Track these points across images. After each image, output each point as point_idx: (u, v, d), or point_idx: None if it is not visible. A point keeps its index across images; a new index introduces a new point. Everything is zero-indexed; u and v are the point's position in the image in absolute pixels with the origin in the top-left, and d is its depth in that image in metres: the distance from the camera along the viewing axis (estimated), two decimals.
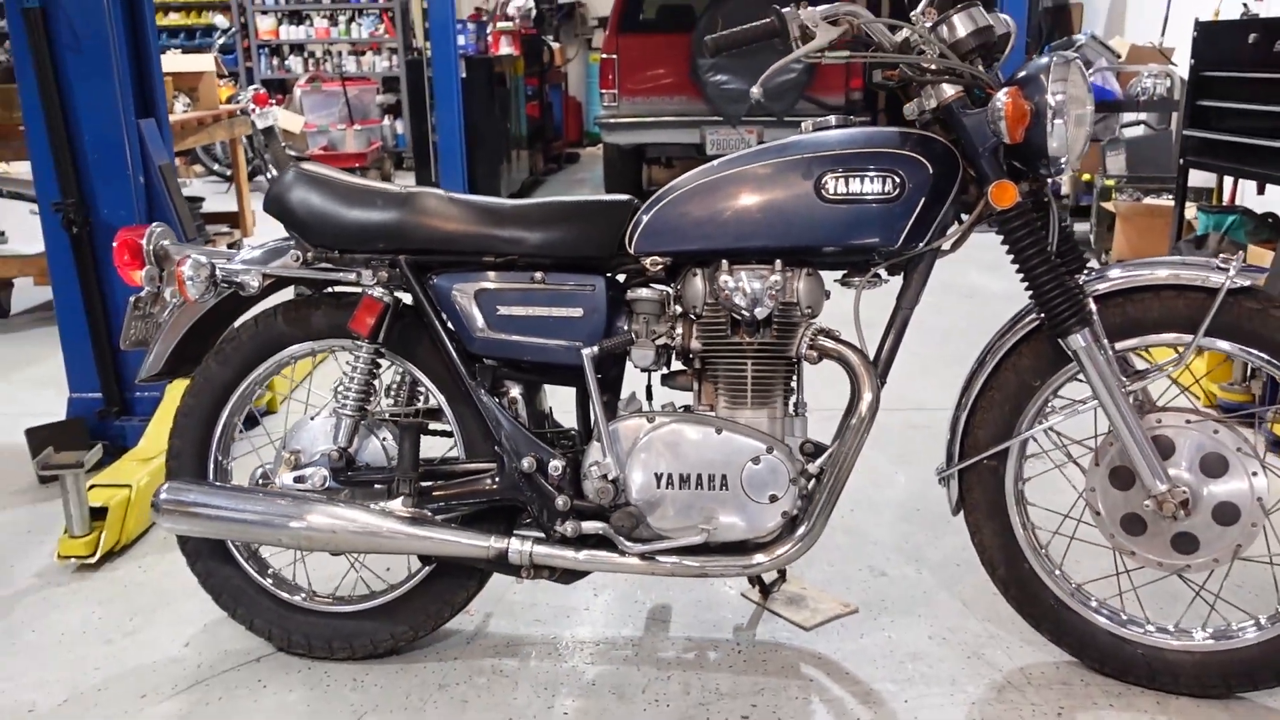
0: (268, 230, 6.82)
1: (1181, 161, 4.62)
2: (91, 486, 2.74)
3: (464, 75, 7.37)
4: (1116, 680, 2.07)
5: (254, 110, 7.30)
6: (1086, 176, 5.96)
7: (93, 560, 2.65)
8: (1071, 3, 8.59)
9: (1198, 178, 4.85)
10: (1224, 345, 1.93)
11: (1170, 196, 5.09)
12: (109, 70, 3.08)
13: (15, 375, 4.33)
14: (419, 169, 8.43)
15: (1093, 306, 1.94)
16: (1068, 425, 2.07)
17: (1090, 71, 5.86)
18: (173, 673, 2.21)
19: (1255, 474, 1.91)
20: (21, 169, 8.98)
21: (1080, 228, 6.14)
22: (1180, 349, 1.94)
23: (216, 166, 9.64)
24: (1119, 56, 6.25)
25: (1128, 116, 5.91)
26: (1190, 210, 4.68)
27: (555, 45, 11.50)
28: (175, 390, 3.20)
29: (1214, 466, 1.92)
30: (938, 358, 4.12)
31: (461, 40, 7.64)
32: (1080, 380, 1.99)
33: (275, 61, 10.88)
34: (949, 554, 2.61)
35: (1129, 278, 1.96)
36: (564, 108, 11.77)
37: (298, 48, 10.88)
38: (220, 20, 10.25)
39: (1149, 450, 1.93)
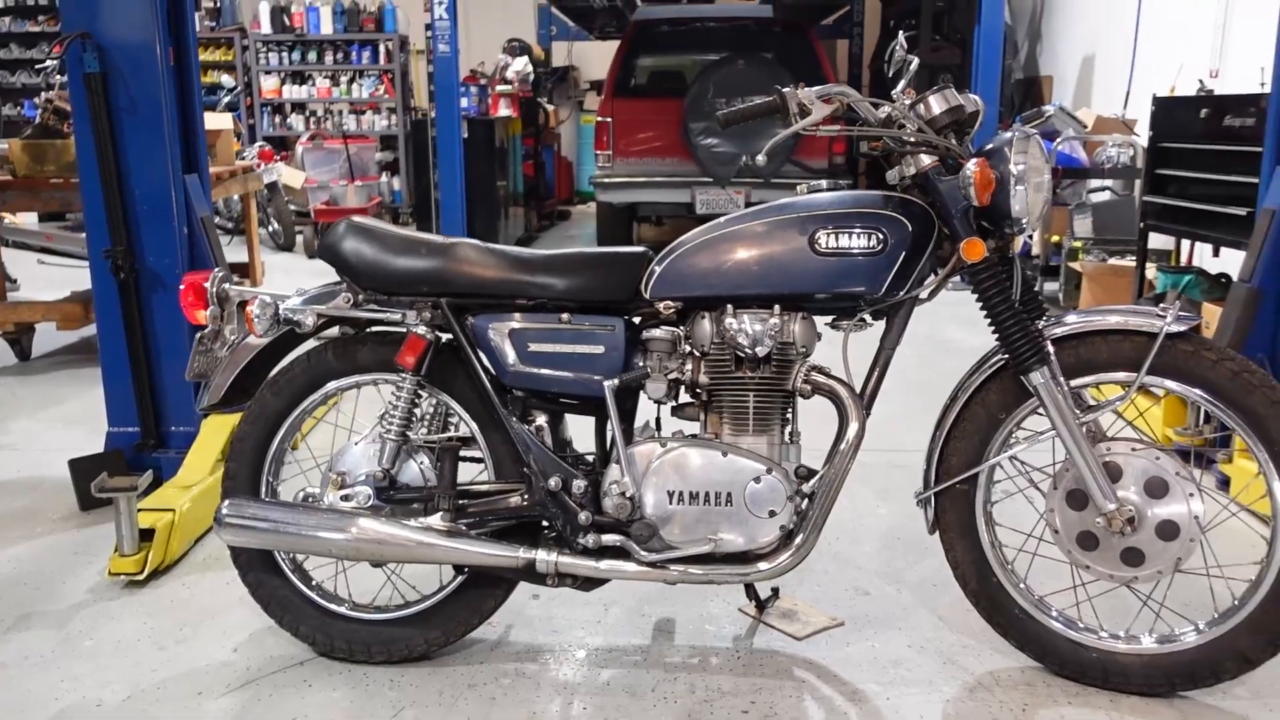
0: (275, 281, 7.09)
1: (1142, 225, 4.98)
2: (138, 511, 2.96)
3: (465, 135, 7.70)
4: (1074, 681, 2.33)
5: (259, 165, 7.61)
6: (1056, 238, 6.31)
7: (140, 577, 2.87)
8: (1041, 76, 9.04)
9: (1158, 240, 5.19)
10: (1166, 384, 2.22)
11: (1133, 257, 5.43)
12: (160, 130, 3.36)
13: (42, 415, 4.55)
14: (419, 225, 8.73)
15: (1050, 348, 2.23)
16: (1030, 453, 2.35)
17: (1059, 140, 6.24)
18: (224, 674, 2.44)
19: (1192, 495, 2.18)
20: (29, 220, 9.26)
21: (1050, 286, 6.48)
22: (1126, 386, 2.23)
23: (218, 220, 9.92)
24: (1085, 127, 6.64)
25: (1094, 183, 6.28)
26: (1151, 270, 5.02)
27: (550, 107, 11.90)
28: (210, 425, 3.45)
29: (1156, 489, 2.20)
30: (918, 405, 4.39)
31: (464, 102, 7.99)
32: (1040, 414, 2.26)
33: (278, 119, 11.22)
34: (926, 576, 2.87)
35: (1082, 323, 2.25)
36: (556, 167, 12.15)
37: (299, 106, 11.23)
38: (226, 79, 10.60)
39: (1100, 474, 2.20)
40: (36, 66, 10.59)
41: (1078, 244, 6.10)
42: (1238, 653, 2.19)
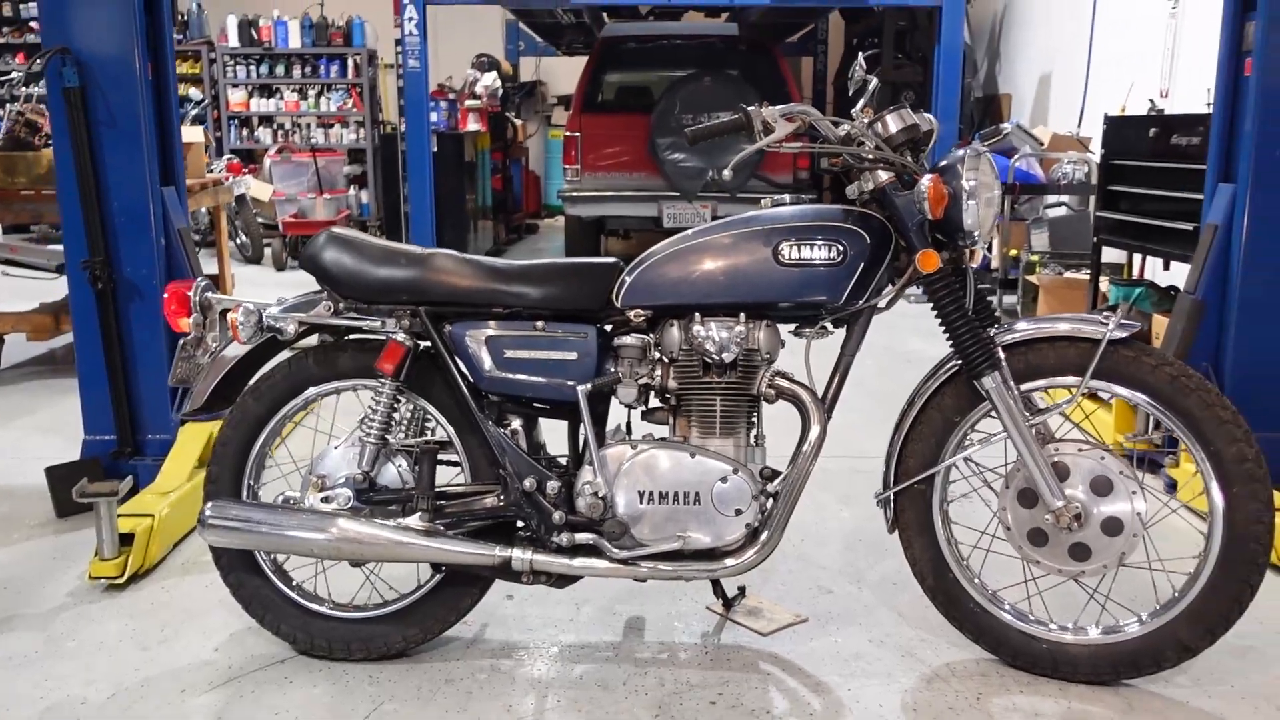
0: (244, 293, 7.12)
1: (1096, 240, 5.14)
2: (118, 516, 3.01)
3: (435, 149, 7.78)
4: (1026, 672, 2.44)
5: (228, 178, 7.66)
6: (1014, 252, 6.48)
7: (120, 580, 2.92)
8: (1000, 94, 9.26)
9: (1111, 254, 5.36)
10: (1110, 388, 2.34)
11: (1088, 271, 5.59)
12: (139, 143, 3.42)
13: (15, 424, 4.57)
14: (389, 238, 8.79)
15: (1001, 354, 2.35)
16: (983, 455, 2.47)
17: (1016, 157, 6.41)
18: (207, 673, 2.50)
19: (1135, 493, 2.31)
20: None
21: (1009, 299, 6.65)
22: (1072, 390, 2.35)
23: None
24: (1042, 144, 6.82)
25: (1050, 198, 6.45)
26: (1105, 283, 5.18)
27: (518, 122, 11.99)
28: (187, 433, 3.51)
29: (1101, 487, 2.32)
30: (879, 414, 4.52)
31: (433, 117, 8.07)
32: (993, 416, 2.38)
33: (245, 132, 11.23)
34: (887, 575, 2.98)
35: (1031, 330, 2.38)
36: (524, 181, 12.24)
37: (267, 119, 11.25)
38: (194, 93, 10.61)
39: (1048, 473, 2.32)
40: (2, 79, 10.55)
41: (1035, 258, 6.26)
42: (1178, 642, 2.32)
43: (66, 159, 3.40)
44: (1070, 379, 2.35)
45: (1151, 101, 6.02)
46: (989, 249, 6.75)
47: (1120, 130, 5.00)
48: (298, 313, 2.47)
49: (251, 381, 2.59)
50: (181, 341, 2.56)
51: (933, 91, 7.60)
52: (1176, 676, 2.43)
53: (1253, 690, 2.40)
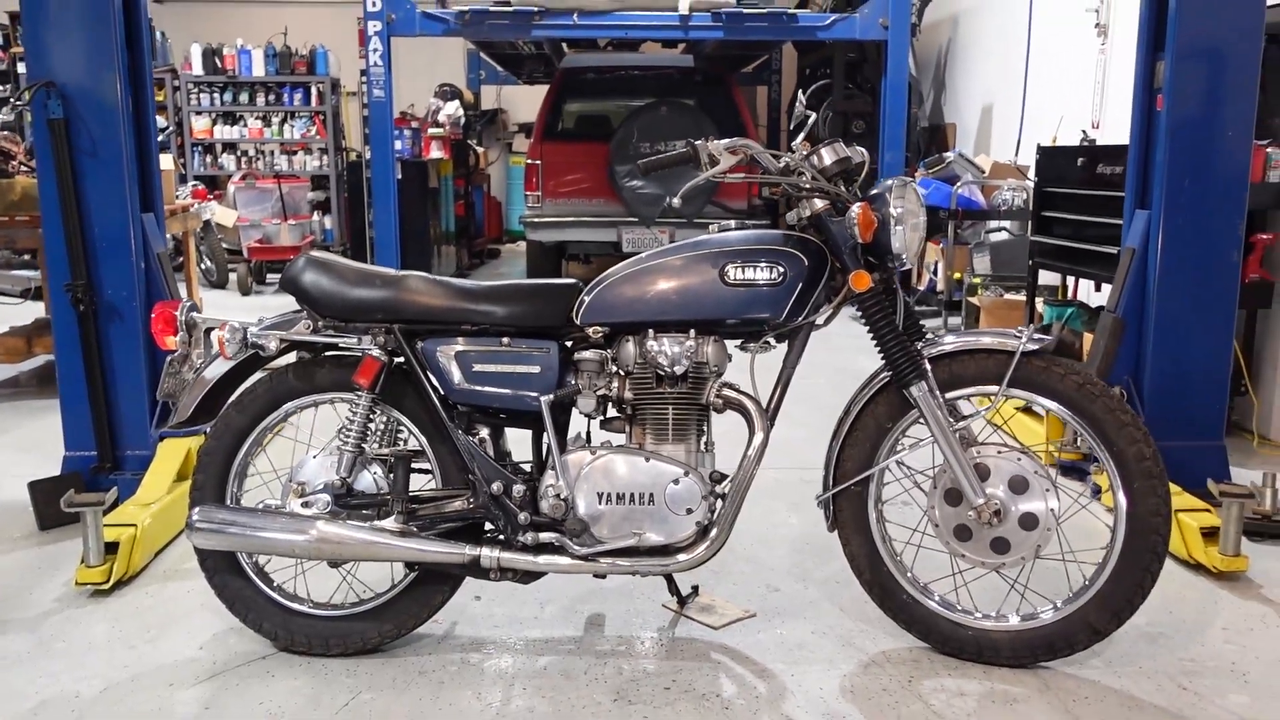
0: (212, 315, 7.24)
1: (1031, 263, 5.43)
2: (103, 526, 3.16)
3: (399, 176, 7.96)
4: (954, 657, 2.66)
5: (193, 204, 7.80)
6: (957, 275, 6.76)
7: (106, 586, 3.07)
8: (946, 123, 9.60)
9: (1047, 276, 5.64)
10: (1025, 395, 2.58)
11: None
12: (120, 172, 3.59)
13: None
14: None
15: (928, 366, 2.58)
16: (913, 458, 2.69)
17: (959, 184, 6.71)
18: (193, 668, 2.66)
19: (1049, 490, 2.54)
20: None
21: (954, 320, 6.93)
22: (991, 398, 2.59)
23: None
24: (983, 172, 7.13)
25: (991, 223, 6.75)
26: (1040, 304, 5.46)
27: (479, 149, 12.20)
28: (166, 449, 3.67)
29: (1019, 486, 2.55)
30: (826, 427, 4.74)
31: (397, 144, 8.26)
32: (921, 423, 2.61)
33: (209, 159, 11.34)
34: (830, 575, 3.20)
35: (954, 344, 2.61)
36: (485, 207, 12.44)
37: (230, 146, 11.38)
38: (158, 120, 10.71)
39: (971, 474, 2.55)
40: None
41: (977, 280, 6.56)
42: (1088, 626, 2.55)
43: (50, 186, 3.56)
44: (990, 387, 2.58)
45: (1084, 132, 6.34)
46: (934, 272, 7.04)
47: (1052, 160, 5.30)
48: (279, 330, 2.65)
49: (234, 396, 2.76)
50: (169, 359, 2.73)
51: (880, 121, 7.89)
52: (1090, 660, 2.66)
53: (1158, 670, 2.63)
